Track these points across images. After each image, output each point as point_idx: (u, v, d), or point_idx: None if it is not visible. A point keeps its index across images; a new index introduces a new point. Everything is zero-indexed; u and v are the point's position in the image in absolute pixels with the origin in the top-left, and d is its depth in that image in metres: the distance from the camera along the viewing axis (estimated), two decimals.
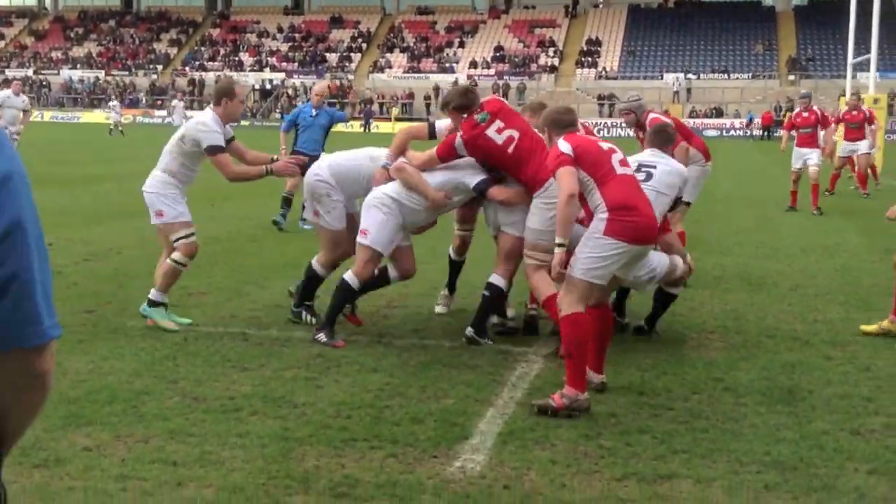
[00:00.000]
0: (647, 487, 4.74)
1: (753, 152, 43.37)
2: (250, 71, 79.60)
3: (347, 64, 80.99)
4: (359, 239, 7.70)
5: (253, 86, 76.41)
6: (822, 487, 4.74)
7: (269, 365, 6.82)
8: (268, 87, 78.39)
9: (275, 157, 8.46)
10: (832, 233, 14.71)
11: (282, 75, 79.61)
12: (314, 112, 14.04)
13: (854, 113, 20.00)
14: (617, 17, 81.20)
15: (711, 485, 4.79)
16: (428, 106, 74.67)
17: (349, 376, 6.60)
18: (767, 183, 24.89)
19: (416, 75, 78.10)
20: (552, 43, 79.37)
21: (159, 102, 75.03)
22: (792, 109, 61.32)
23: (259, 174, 8.15)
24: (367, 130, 66.92)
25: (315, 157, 12.66)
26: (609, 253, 6.01)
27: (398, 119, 71.13)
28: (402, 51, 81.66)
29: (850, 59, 30.54)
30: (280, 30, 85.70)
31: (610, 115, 69.51)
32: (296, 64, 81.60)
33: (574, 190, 6.10)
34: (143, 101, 76.87)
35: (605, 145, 6.44)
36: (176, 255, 7.95)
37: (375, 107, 73.62)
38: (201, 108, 53.59)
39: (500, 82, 74.96)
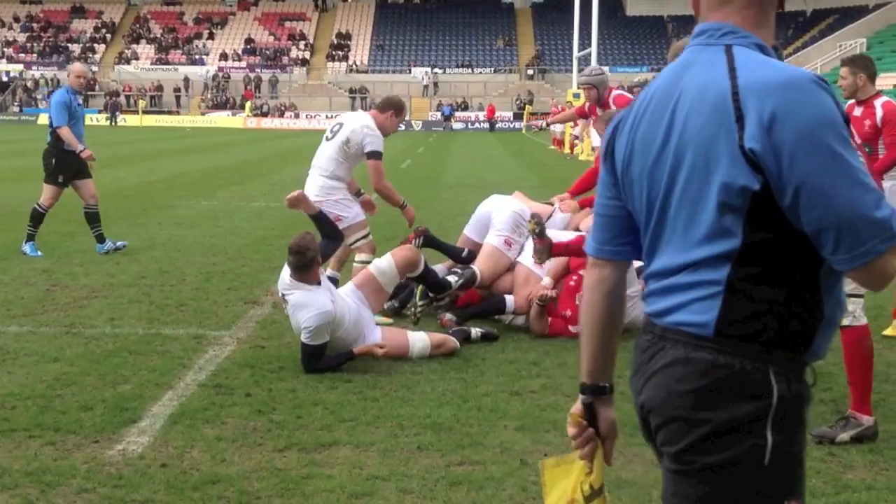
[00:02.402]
0: (306, 456, 4.86)
1: (494, 143, 44.95)
2: None
3: (91, 55, 77.62)
4: None
5: None
6: (471, 444, 5.01)
7: None
8: (4, 79, 74.02)
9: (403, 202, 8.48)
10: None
11: (20, 67, 75.32)
12: (80, 99, 11.25)
13: None
14: (365, 11, 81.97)
15: (369, 448, 4.97)
16: (178, 98, 72.76)
17: (25, 367, 6.37)
18: (497, 170, 26.47)
19: (164, 67, 75.96)
20: (303, 36, 79.16)
21: None
22: (531, 102, 64.34)
23: (398, 202, 8.41)
24: (113, 124, 64.43)
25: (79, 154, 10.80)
26: None
27: (146, 112, 68.89)
28: (149, 42, 79.15)
29: (576, 53, 32.19)
30: (16, 19, 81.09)
31: (362, 108, 70.12)
32: (35, 55, 77.43)
33: None
34: None
35: None
36: (362, 257, 8.06)
37: (122, 99, 70.98)
38: None
39: (252, 75, 74.12)
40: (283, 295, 6.51)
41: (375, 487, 4.46)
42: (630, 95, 10.42)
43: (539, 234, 7.38)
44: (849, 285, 4.93)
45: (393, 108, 8.18)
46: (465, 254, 8.28)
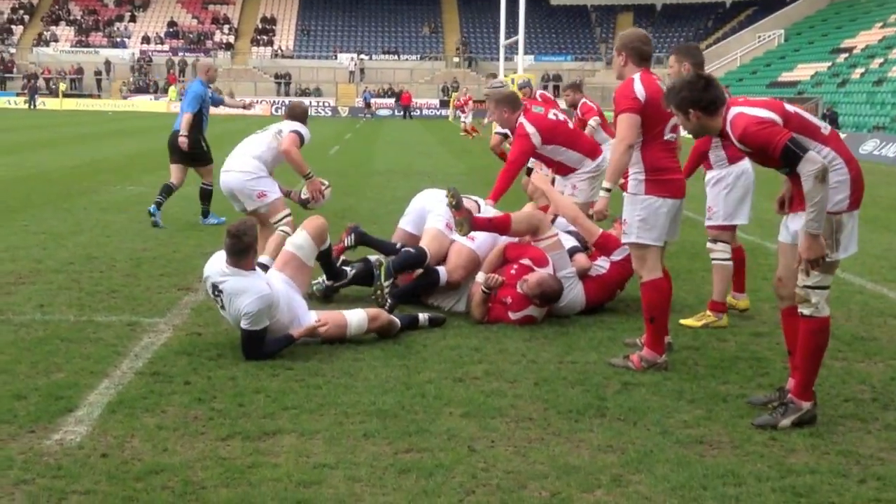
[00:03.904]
0: (250, 444, 4.78)
1: (421, 130, 44.87)
2: None
3: (8, 37, 75.70)
4: None
5: None
6: (417, 431, 4.98)
7: None
8: None
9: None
10: None
11: None
12: (210, 93, 12.59)
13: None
14: None
15: (314, 437, 4.91)
16: (99, 82, 71.27)
17: None
18: (426, 157, 26.62)
19: (84, 49, 74.31)
20: (227, 20, 78.09)
21: None
22: (458, 89, 64.42)
23: (304, 171, 9.02)
24: (32, 107, 62.90)
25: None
26: (659, 212, 6.15)
27: (66, 95, 67.35)
28: (69, 24, 77.35)
29: (502, 41, 32.27)
30: None
31: (286, 94, 69.50)
32: None
33: (633, 141, 6.11)
34: None
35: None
36: (286, 229, 8.63)
37: (41, 82, 69.26)
38: None
39: (176, 58, 72.91)
40: (216, 284, 6.38)
41: (323, 475, 4.40)
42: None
43: (456, 207, 7.37)
44: (814, 277, 5.00)
45: (298, 117, 9.25)
46: (398, 247, 8.25)
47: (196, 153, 12.43)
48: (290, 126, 9.01)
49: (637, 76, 6.28)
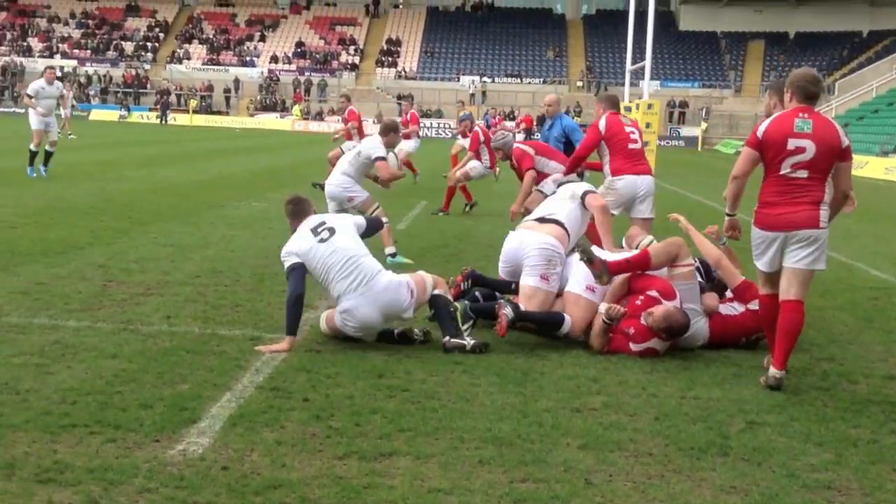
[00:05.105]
0: (366, 464, 4.79)
1: None
2: (39, 57, 76.13)
3: (144, 53, 78.60)
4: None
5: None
6: (534, 461, 4.92)
7: None
8: (59, 74, 74.94)
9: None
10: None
11: (73, 62, 76.39)
12: (548, 123, 13.32)
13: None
14: (416, 18, 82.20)
15: (430, 460, 4.89)
16: (227, 99, 73.35)
17: (84, 363, 6.37)
18: None
19: (215, 67, 76.63)
20: (353, 41, 79.51)
21: None
22: (580, 114, 64.15)
23: (400, 175, 12.66)
24: (163, 122, 65.14)
25: None
26: (755, 242, 6.59)
27: (196, 112, 69.52)
28: (202, 42, 79.95)
29: (629, 66, 32.01)
30: (72, 15, 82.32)
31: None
32: (89, 51, 78.53)
33: (740, 174, 6.55)
34: None
35: (795, 144, 6.29)
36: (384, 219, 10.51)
37: (173, 98, 71.73)
38: None
39: (302, 78, 74.54)
40: (316, 226, 7.43)
41: (438, 501, 4.38)
42: (528, 150, 11.84)
43: (589, 261, 7.30)
44: None
45: (392, 130, 11.43)
46: (514, 286, 8.11)
47: None
48: (369, 151, 11.36)
49: (778, 113, 6.49)
